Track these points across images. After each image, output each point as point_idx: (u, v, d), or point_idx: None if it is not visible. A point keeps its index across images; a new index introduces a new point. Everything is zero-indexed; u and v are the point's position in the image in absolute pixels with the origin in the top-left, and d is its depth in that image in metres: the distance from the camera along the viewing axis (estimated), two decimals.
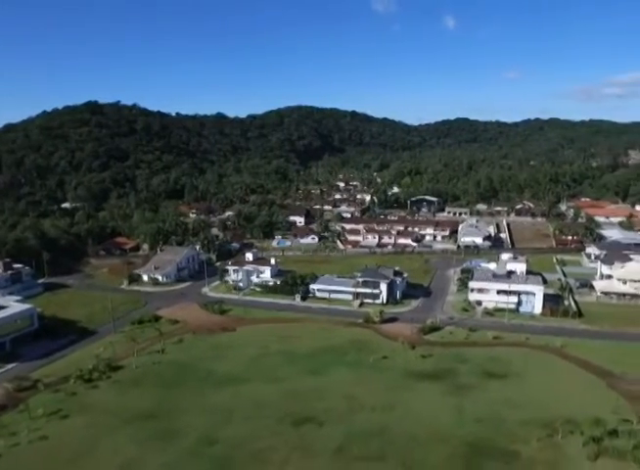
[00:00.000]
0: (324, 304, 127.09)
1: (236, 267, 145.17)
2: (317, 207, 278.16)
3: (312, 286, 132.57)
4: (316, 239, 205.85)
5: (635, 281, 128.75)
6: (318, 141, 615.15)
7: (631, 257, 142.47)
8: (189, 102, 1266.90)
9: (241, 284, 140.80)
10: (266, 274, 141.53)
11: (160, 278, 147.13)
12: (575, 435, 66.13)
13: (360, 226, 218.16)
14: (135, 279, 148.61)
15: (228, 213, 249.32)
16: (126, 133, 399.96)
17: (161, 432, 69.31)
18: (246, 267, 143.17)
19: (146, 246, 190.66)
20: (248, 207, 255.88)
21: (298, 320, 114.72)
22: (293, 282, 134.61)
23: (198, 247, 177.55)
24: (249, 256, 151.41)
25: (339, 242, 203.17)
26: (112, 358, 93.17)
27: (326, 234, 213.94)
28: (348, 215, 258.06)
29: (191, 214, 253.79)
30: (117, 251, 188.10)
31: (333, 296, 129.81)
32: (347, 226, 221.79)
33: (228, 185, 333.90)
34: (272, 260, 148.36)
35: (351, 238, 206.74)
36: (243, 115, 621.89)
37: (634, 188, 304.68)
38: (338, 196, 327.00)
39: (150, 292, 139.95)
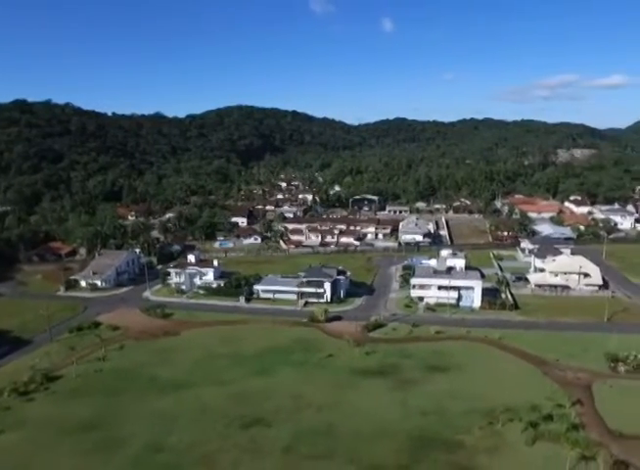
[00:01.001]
0: (268, 304, 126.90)
1: (178, 270, 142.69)
2: (259, 207, 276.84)
3: (256, 287, 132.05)
4: (259, 239, 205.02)
5: (566, 273, 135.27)
6: (259, 141, 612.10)
7: (562, 250, 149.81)
8: (125, 101, 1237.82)
9: (183, 287, 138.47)
10: (209, 276, 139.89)
11: (98, 283, 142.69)
12: (515, 422, 69.04)
13: (303, 226, 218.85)
14: (72, 285, 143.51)
15: (169, 215, 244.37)
16: (59, 133, 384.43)
17: (104, 442, 67.34)
18: (188, 270, 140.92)
19: (83, 250, 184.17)
20: (189, 208, 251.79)
21: (243, 322, 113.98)
22: (236, 283, 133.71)
23: (138, 250, 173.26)
24: (191, 258, 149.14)
25: (282, 242, 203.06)
26: (49, 369, 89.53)
27: (269, 234, 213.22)
28: (291, 215, 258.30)
29: (130, 217, 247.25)
30: (52, 256, 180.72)
31: (277, 296, 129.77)
32: (290, 226, 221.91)
33: (168, 186, 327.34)
34: (215, 262, 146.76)
35: (294, 238, 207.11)
36: (182, 114, 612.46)
37: (563, 185, 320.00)
38: (280, 196, 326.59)
39: (88, 298, 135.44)
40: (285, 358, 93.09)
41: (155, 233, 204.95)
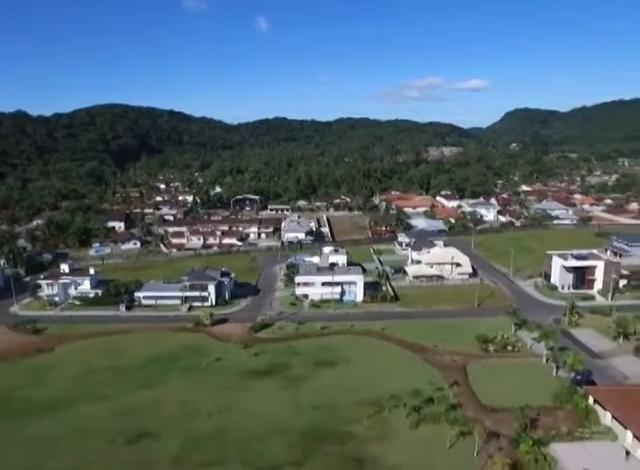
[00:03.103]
0: (151, 311, 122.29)
1: (50, 281, 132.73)
2: (137, 210, 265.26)
3: (137, 294, 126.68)
4: (138, 244, 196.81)
5: (440, 264, 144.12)
6: (135, 141, 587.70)
7: (435, 242, 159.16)
8: None
9: (57, 299, 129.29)
10: (86, 286, 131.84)
11: None
12: (399, 408, 72.55)
13: (184, 228, 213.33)
14: None
15: (36, 222, 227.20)
16: None
17: None
18: (61, 280, 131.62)
19: None
20: (59, 214, 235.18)
21: (125, 331, 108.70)
22: (116, 291, 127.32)
23: (2, 261, 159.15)
24: (64, 267, 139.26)
25: (162, 246, 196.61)
26: None
27: (149, 238, 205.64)
28: (171, 218, 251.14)
29: None
30: None
31: (160, 302, 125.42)
32: (171, 229, 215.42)
33: (34, 191, 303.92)
34: (91, 270, 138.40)
35: (175, 241, 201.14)
36: (48, 113, 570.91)
37: (434, 181, 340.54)
38: (159, 198, 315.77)
39: None
40: (171, 366, 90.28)
41: (21, 242, 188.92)
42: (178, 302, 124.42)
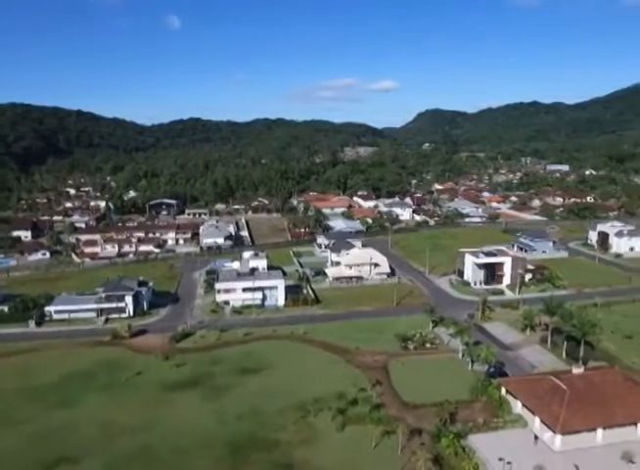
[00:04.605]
0: (64, 326, 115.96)
1: None
2: (45, 218, 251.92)
3: (48, 308, 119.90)
4: (48, 254, 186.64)
5: (359, 265, 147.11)
6: (40, 143, 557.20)
7: (354, 243, 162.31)
8: None
9: None
10: None
11: None
12: (325, 411, 73.55)
13: (97, 236, 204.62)
14: None
15: None
16: None
17: None
18: None
19: None
20: None
21: (36, 349, 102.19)
22: (24, 307, 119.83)
23: None
24: None
25: (74, 255, 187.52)
26: None
27: (59, 248, 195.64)
28: (83, 225, 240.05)
29: None
30: None
31: (74, 316, 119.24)
32: (83, 237, 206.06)
33: None
34: None
35: (88, 250, 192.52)
36: None
37: (351, 181, 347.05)
38: (69, 204, 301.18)
39: None
40: (88, 384, 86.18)
41: None
42: (93, 314, 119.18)
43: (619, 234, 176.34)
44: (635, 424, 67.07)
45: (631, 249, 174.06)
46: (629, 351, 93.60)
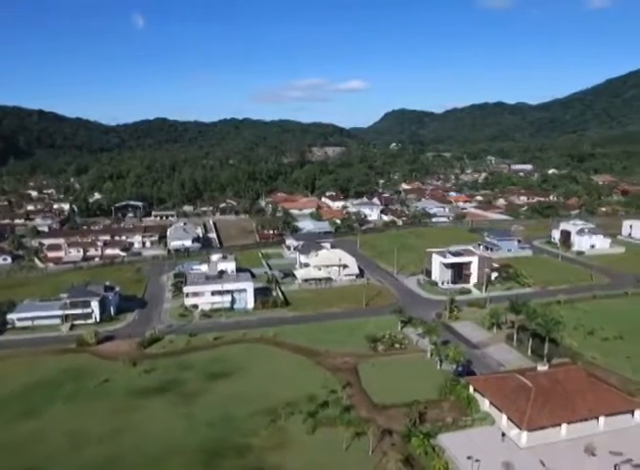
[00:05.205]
0: (28, 333, 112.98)
1: None
2: (6, 221, 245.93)
3: (10, 316, 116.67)
4: (9, 259, 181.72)
5: (328, 266, 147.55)
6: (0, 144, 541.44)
7: (322, 245, 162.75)
8: None
9: None
10: None
11: None
12: (296, 414, 73.66)
13: (61, 240, 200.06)
14: None
15: None
16: None
17: None
18: None
19: None
20: None
21: None
22: None
23: None
24: None
25: (37, 260, 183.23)
26: None
27: (21, 252, 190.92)
28: (46, 229, 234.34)
29: None
30: None
31: (37, 323, 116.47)
32: (46, 241, 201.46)
33: None
34: None
35: (52, 254, 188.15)
36: None
37: (319, 182, 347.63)
38: (31, 207, 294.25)
39: None
40: (54, 393, 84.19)
41: None
42: (58, 321, 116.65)
43: (581, 232, 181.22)
44: (597, 418, 69.19)
45: (592, 246, 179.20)
46: (591, 346, 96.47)
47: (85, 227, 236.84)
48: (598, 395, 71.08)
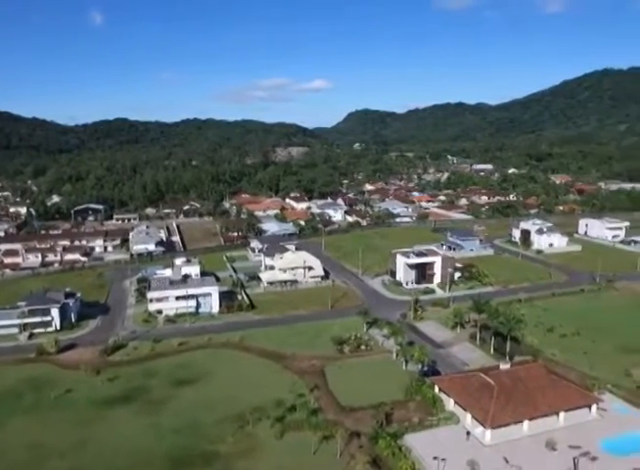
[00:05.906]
0: None
1: None
2: None
3: None
4: None
5: (293, 268, 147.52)
6: None
7: (287, 247, 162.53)
8: None
9: None
10: None
11: None
12: (263, 420, 73.49)
13: (18, 245, 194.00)
14: None
15: None
16: None
17: None
18: None
19: None
20: None
21: None
22: None
23: None
24: None
25: None
26: None
27: None
28: (2, 234, 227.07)
29: None
30: None
31: None
32: (2, 247, 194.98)
33: None
34: None
35: (8, 260, 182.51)
36: None
37: (283, 183, 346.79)
38: None
39: None
40: (13, 405, 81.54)
41: None
42: (16, 330, 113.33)
43: (540, 231, 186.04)
44: (557, 414, 71.25)
45: (550, 245, 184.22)
46: (550, 343, 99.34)
47: (44, 232, 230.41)
48: (558, 391, 73.21)
